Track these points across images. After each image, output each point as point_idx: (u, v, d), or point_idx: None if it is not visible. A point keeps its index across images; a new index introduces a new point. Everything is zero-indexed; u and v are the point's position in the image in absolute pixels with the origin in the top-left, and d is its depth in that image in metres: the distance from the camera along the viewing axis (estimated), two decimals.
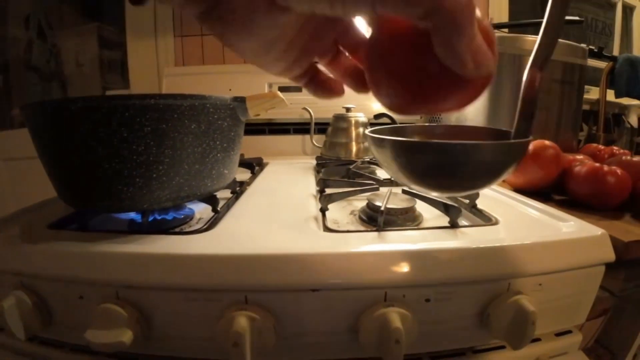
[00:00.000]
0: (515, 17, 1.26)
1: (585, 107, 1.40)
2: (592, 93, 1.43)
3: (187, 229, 0.47)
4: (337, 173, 0.74)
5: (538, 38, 0.30)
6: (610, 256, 0.40)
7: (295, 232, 0.43)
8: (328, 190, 0.56)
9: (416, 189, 0.37)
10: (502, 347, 0.42)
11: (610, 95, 1.24)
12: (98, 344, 0.35)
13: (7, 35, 1.54)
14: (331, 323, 0.36)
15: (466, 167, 0.29)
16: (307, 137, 1.02)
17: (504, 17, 1.23)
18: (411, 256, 0.37)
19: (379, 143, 0.32)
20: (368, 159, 0.81)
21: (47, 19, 1.74)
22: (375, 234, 0.42)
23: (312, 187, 0.65)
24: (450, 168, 0.30)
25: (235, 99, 0.47)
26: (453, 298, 0.36)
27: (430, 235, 0.42)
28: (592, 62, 1.29)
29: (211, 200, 0.50)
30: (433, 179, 0.32)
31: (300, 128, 1.05)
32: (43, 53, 1.74)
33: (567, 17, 1.03)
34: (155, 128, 0.38)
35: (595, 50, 1.12)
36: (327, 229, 0.44)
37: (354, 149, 0.86)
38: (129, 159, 0.39)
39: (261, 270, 0.35)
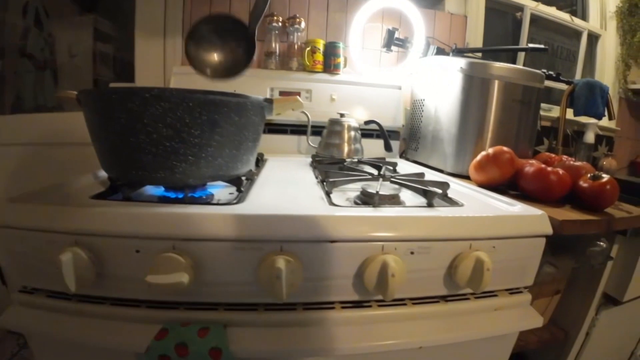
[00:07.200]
0: (488, 42, 1.44)
1: (547, 123, 1.60)
2: (554, 111, 1.63)
3: (219, 203, 0.56)
4: (331, 169, 0.85)
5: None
6: (548, 230, 0.54)
7: (311, 204, 0.55)
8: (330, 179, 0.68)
9: None
10: (467, 299, 0.55)
11: (571, 114, 1.43)
12: (161, 284, 0.43)
13: (5, 22, 1.54)
14: (343, 268, 0.48)
15: None
16: (302, 137, 1.14)
17: (479, 42, 1.40)
18: (400, 220, 0.50)
19: None
20: (357, 159, 0.94)
21: (44, 8, 1.76)
22: (372, 208, 0.54)
23: (313, 178, 0.77)
24: None
25: (267, 99, 0.58)
26: (430, 252, 0.49)
27: (413, 210, 0.55)
28: (557, 85, 1.47)
29: (236, 181, 0.61)
30: None
31: (296, 129, 1.16)
32: (38, 41, 1.75)
33: (534, 45, 1.21)
34: (210, 117, 0.49)
35: (554, 75, 1.30)
36: (333, 204, 0.56)
37: (346, 149, 0.99)
38: (187, 141, 0.49)
39: (293, 227, 0.46)
